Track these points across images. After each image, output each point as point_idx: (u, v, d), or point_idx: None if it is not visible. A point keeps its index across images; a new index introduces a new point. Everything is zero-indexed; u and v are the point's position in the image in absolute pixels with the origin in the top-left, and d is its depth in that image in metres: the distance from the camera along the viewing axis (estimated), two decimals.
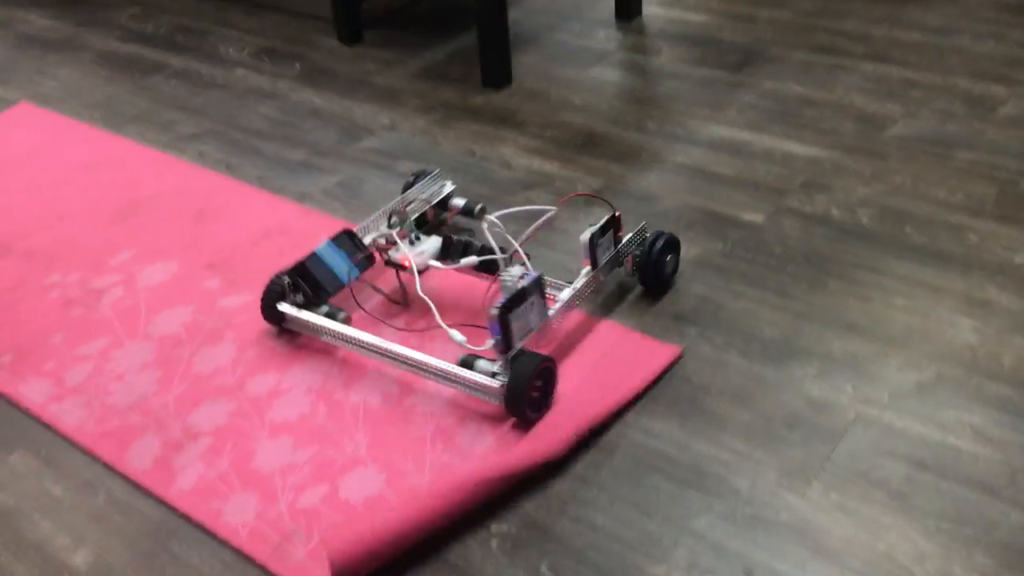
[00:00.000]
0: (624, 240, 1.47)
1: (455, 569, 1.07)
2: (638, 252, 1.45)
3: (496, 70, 2.12)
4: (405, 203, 1.58)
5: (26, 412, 1.35)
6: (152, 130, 2.06)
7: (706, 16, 2.42)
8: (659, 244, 1.44)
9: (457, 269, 1.45)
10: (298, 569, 1.09)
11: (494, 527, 1.12)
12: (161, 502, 1.19)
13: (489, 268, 1.45)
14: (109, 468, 1.24)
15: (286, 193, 1.81)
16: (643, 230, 1.49)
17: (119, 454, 1.26)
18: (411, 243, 1.49)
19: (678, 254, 1.49)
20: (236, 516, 1.16)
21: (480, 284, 1.52)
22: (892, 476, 1.14)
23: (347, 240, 1.48)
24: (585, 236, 1.39)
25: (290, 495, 1.19)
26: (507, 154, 1.89)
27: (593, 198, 1.72)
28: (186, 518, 1.16)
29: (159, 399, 1.36)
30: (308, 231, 1.71)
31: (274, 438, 1.28)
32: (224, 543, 1.13)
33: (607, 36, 2.35)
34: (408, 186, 1.65)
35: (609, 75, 2.16)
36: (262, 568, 1.09)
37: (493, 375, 1.26)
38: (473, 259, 1.44)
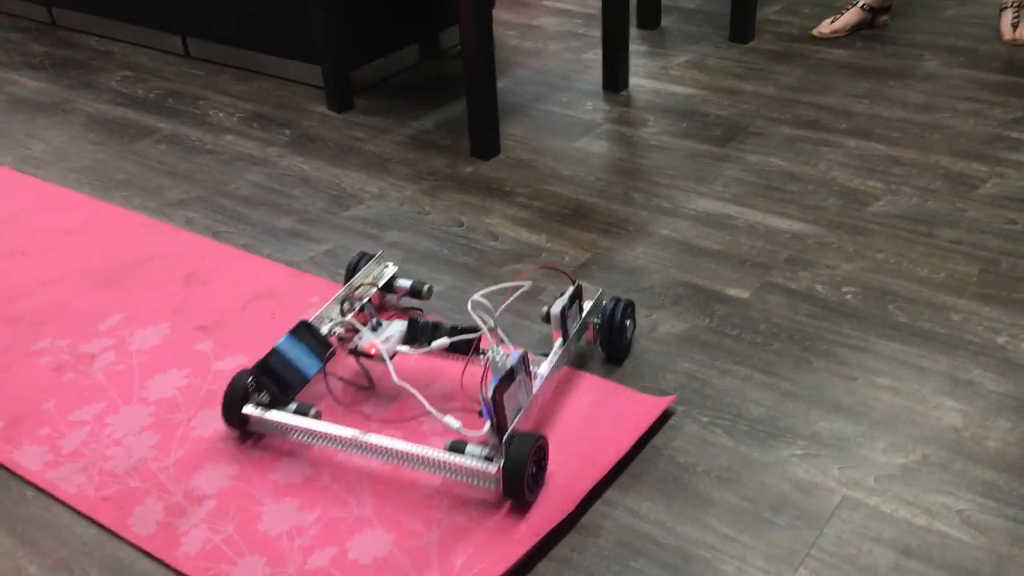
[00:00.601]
0: (587, 310, 1.47)
1: None
2: (598, 320, 1.47)
3: (484, 140, 2.14)
4: (353, 288, 1.53)
5: (23, 479, 1.32)
6: (140, 195, 2.07)
7: (692, 88, 2.46)
8: (619, 311, 1.45)
9: (428, 353, 1.41)
10: None
11: None
12: (155, 572, 1.16)
13: (461, 348, 1.41)
14: (109, 533, 1.22)
15: (274, 261, 1.81)
16: (601, 298, 1.50)
17: (121, 520, 1.25)
18: (373, 329, 1.45)
19: (634, 318, 1.51)
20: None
21: (448, 366, 1.49)
22: (879, 563, 1.13)
23: (306, 332, 1.40)
24: (556, 308, 1.40)
25: (299, 557, 1.18)
26: (495, 225, 1.90)
27: (555, 271, 1.73)
28: None
29: (159, 463, 1.34)
30: (298, 293, 1.71)
31: (278, 501, 1.27)
32: None
33: (595, 107, 2.39)
34: (351, 270, 1.60)
35: (596, 146, 2.19)
36: None
37: (487, 459, 1.23)
38: (445, 341, 1.40)
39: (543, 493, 1.24)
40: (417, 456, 1.25)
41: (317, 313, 1.45)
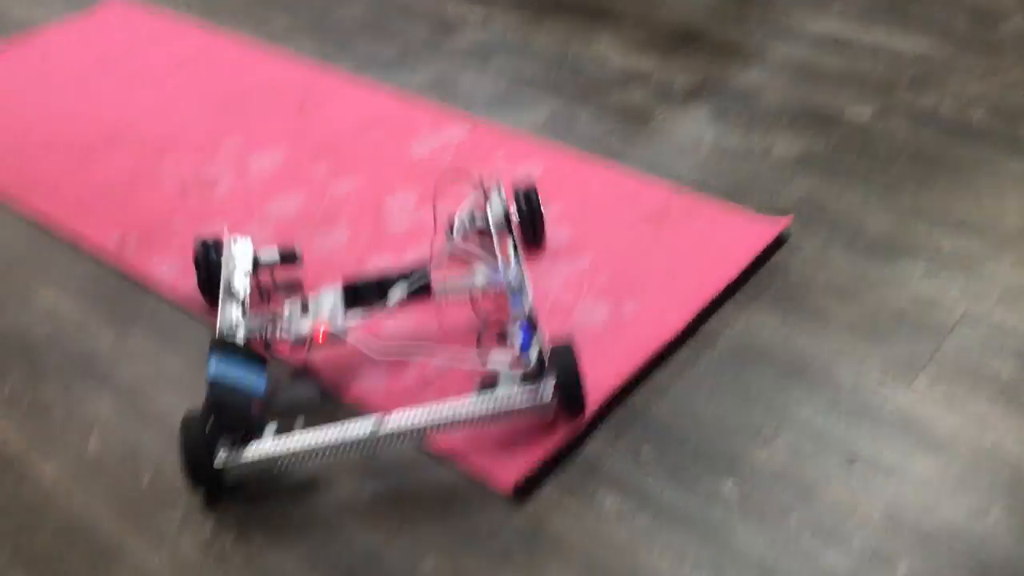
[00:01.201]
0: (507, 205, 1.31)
1: (559, 453, 1.10)
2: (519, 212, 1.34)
3: None
4: (230, 284, 1.25)
5: (153, 288, 1.40)
6: (249, 24, 2.08)
7: None
8: (533, 198, 1.34)
9: (390, 310, 1.21)
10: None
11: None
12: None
13: (423, 292, 1.22)
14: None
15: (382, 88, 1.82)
16: (504, 190, 1.34)
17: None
18: (304, 310, 1.21)
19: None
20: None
21: (403, 319, 1.27)
22: (1001, 372, 1.12)
23: (228, 349, 1.14)
24: (497, 211, 1.27)
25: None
26: (602, 50, 1.86)
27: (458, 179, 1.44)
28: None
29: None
30: (407, 118, 1.72)
31: (425, 388, 1.23)
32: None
33: None
34: (202, 264, 1.31)
35: None
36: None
37: (533, 381, 1.09)
38: (401, 290, 1.20)
39: (657, 310, 1.26)
40: (460, 412, 1.07)
41: (218, 326, 1.19)
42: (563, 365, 1.08)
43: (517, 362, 1.11)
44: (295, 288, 1.30)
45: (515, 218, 1.32)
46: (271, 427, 1.09)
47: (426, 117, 1.72)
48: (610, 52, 1.85)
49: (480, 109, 1.72)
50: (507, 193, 1.35)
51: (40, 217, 1.58)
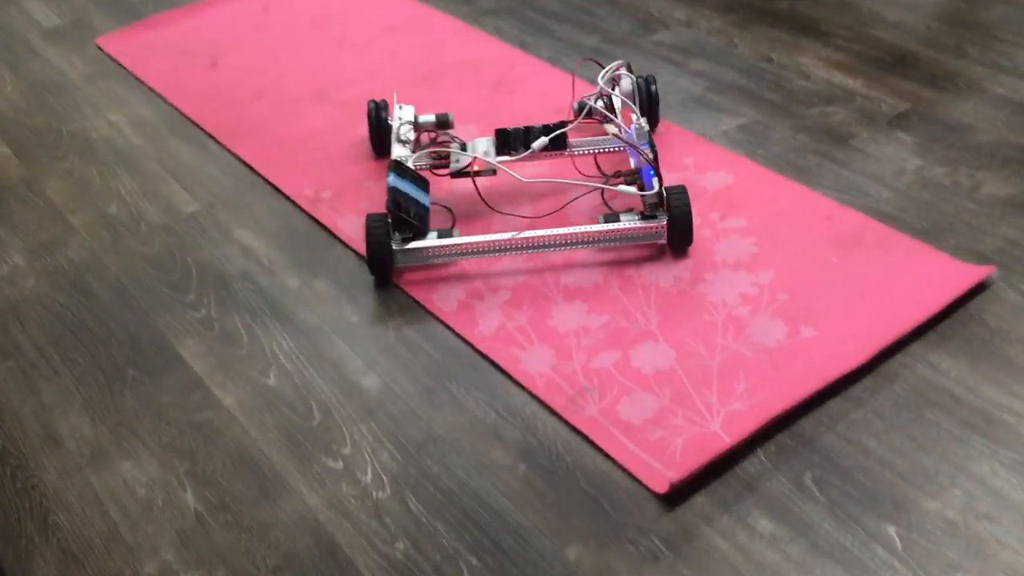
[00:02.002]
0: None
1: (716, 465, 1.09)
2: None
3: None
4: (400, 131, 1.53)
5: (341, 241, 1.47)
6: (454, 2, 2.13)
7: None
8: (651, 82, 1.60)
9: (532, 155, 1.47)
10: (591, 422, 1.15)
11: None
12: (450, 344, 1.27)
13: (559, 145, 1.48)
14: (419, 305, 1.34)
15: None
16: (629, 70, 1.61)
17: (428, 296, 1.36)
18: (463, 148, 1.47)
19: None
20: (533, 366, 1.24)
21: (547, 165, 1.56)
22: None
23: (405, 168, 1.40)
24: (626, 86, 1.58)
25: (584, 355, 1.25)
26: (806, 64, 1.81)
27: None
28: (488, 359, 1.25)
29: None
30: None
31: (569, 302, 1.34)
32: (520, 387, 1.20)
33: None
34: (375, 120, 1.60)
35: None
36: (557, 416, 1.17)
37: (652, 216, 1.36)
38: (544, 140, 1.45)
39: (835, 341, 1.22)
40: (583, 234, 1.36)
41: (392, 156, 1.46)
42: (677, 204, 1.34)
43: (639, 202, 1.40)
44: (447, 143, 1.55)
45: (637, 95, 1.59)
46: (433, 233, 1.37)
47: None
48: (815, 67, 1.79)
49: (674, 108, 1.71)
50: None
51: (245, 160, 1.68)
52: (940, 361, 1.19)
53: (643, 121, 1.46)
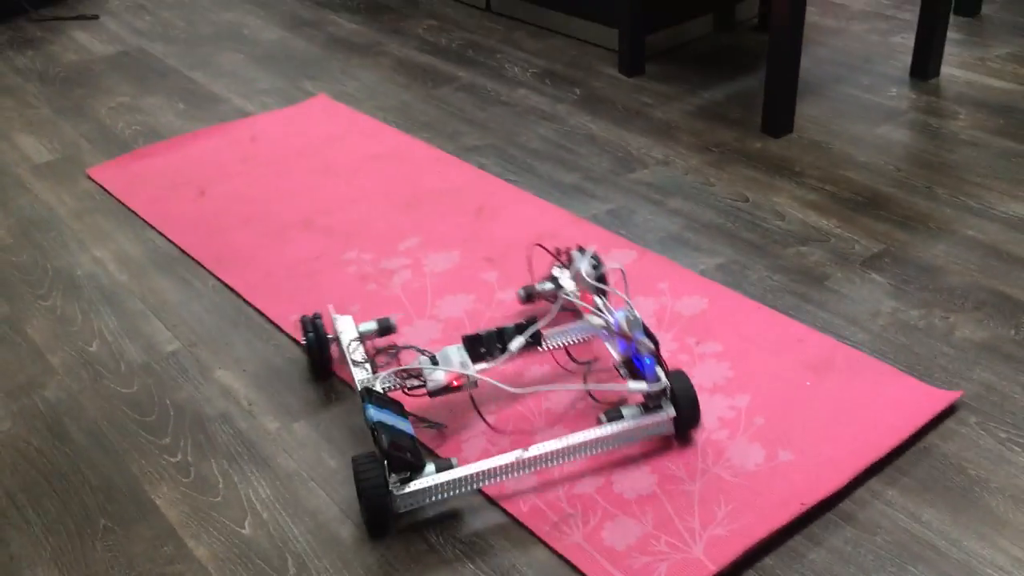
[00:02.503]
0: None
1: None
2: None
3: (778, 117, 2.08)
4: (351, 348, 1.41)
5: (329, 377, 1.47)
6: (439, 138, 2.19)
7: (1013, 83, 2.27)
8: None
9: (511, 358, 1.37)
10: (575, 548, 1.16)
11: None
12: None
13: (535, 341, 1.39)
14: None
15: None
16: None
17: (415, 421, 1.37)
18: (434, 363, 1.34)
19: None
20: (517, 492, 1.25)
21: (522, 366, 1.46)
22: None
23: (378, 396, 1.27)
24: (587, 270, 1.46)
25: (567, 482, 1.26)
26: (781, 204, 1.85)
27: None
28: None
29: None
30: (579, 239, 1.77)
31: (550, 428, 1.35)
32: (508, 515, 1.18)
33: (899, 94, 2.26)
34: (311, 329, 1.45)
35: (899, 135, 2.08)
36: (542, 542, 1.17)
37: (655, 409, 1.27)
38: (520, 340, 1.36)
39: (813, 464, 1.23)
40: (593, 440, 1.24)
41: (359, 382, 1.34)
42: (683, 394, 1.27)
43: (642, 395, 1.29)
44: (394, 354, 1.47)
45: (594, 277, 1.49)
46: (429, 466, 1.21)
47: (596, 240, 1.76)
48: (790, 207, 1.84)
49: (652, 246, 1.74)
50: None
51: (232, 287, 1.69)
52: (921, 512, 1.18)
53: (635, 310, 1.37)
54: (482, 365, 1.35)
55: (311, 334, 1.44)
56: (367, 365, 1.37)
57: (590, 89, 2.39)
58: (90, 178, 2.09)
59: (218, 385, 1.47)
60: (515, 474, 1.23)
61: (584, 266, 1.47)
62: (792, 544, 1.15)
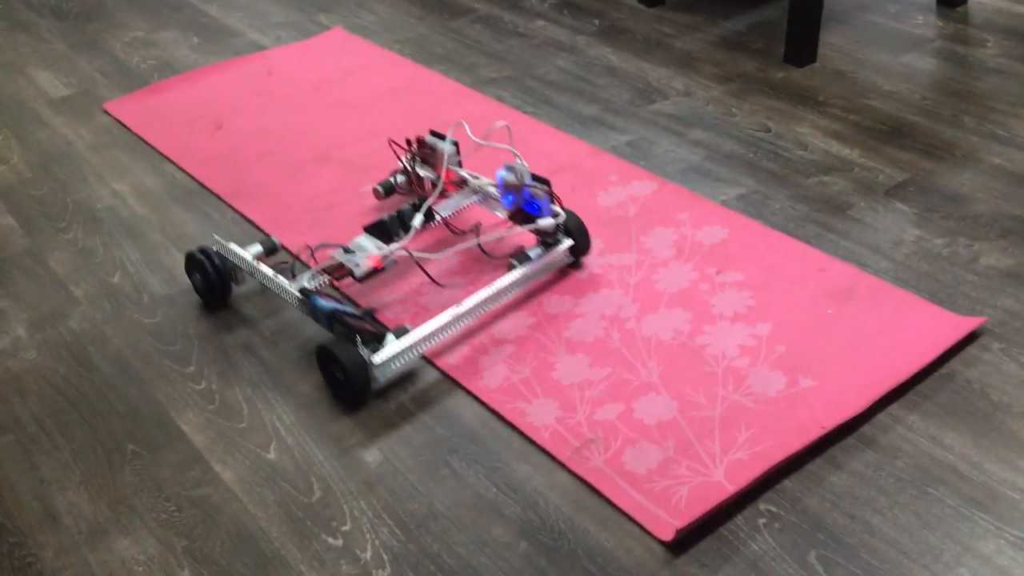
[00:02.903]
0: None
1: (723, 540, 1.08)
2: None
3: (802, 46, 2.04)
4: (257, 264, 1.45)
5: (351, 300, 1.47)
6: (455, 71, 2.17)
7: None
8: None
9: (416, 234, 1.53)
10: (596, 473, 1.17)
11: (763, 506, 1.11)
12: (450, 415, 1.27)
13: (430, 217, 1.53)
14: (424, 360, 1.34)
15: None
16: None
17: (433, 350, 1.38)
18: (347, 253, 1.42)
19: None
20: (539, 418, 1.25)
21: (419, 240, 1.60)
22: None
23: (316, 293, 1.35)
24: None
25: (588, 407, 1.26)
26: (804, 134, 1.83)
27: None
28: (495, 413, 1.27)
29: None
30: (598, 170, 1.75)
31: (571, 354, 1.35)
32: (522, 460, 1.19)
33: (926, 22, 2.21)
34: (210, 268, 1.46)
35: (924, 64, 2.03)
36: (564, 467, 1.18)
37: (555, 243, 1.46)
38: (420, 216, 1.50)
39: (833, 390, 1.23)
40: (510, 285, 1.41)
41: (294, 288, 1.38)
42: (576, 224, 1.47)
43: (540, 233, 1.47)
44: (287, 268, 1.54)
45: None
46: (389, 336, 1.31)
47: (616, 171, 1.75)
48: (813, 137, 1.81)
49: (673, 177, 1.73)
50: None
51: (250, 218, 1.69)
52: (943, 436, 1.18)
53: (521, 159, 1.47)
54: (394, 245, 1.45)
55: (209, 266, 1.46)
56: (281, 275, 1.42)
57: (609, 20, 2.35)
58: (107, 112, 2.08)
59: (239, 315, 1.48)
60: (457, 326, 1.36)
61: (447, 148, 1.60)
62: (812, 467, 1.16)
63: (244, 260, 1.47)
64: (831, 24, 2.23)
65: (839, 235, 1.54)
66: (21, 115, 2.10)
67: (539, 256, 1.45)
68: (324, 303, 1.32)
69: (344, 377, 1.27)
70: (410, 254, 1.46)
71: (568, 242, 1.47)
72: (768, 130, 1.85)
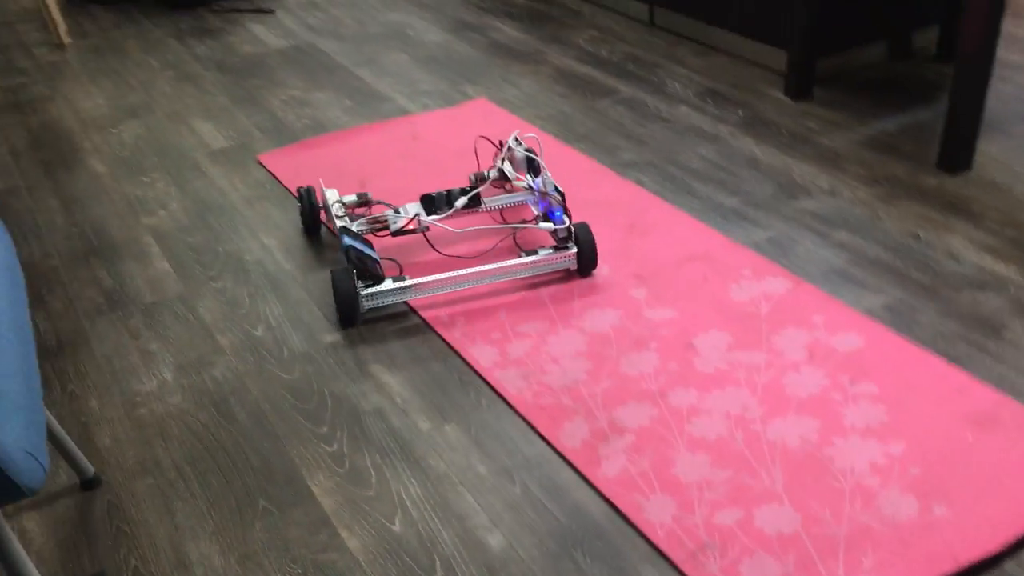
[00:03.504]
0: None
1: None
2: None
3: (957, 152, 1.99)
4: (331, 208, 1.80)
5: (476, 373, 1.50)
6: (596, 150, 2.19)
7: None
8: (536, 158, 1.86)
9: (455, 213, 1.80)
10: None
11: None
12: (576, 503, 1.25)
13: (474, 202, 1.81)
14: (543, 440, 1.34)
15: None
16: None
17: (553, 430, 1.38)
18: (396, 212, 1.77)
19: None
20: (655, 515, 1.23)
21: (468, 220, 1.90)
22: None
23: (351, 232, 1.69)
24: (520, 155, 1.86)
25: (706, 509, 1.23)
26: (955, 245, 1.77)
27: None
28: (610, 503, 1.25)
29: (588, 388, 1.45)
30: (732, 263, 1.73)
31: (692, 452, 1.33)
32: (643, 537, 1.17)
33: None
34: (307, 202, 1.87)
35: None
36: (677, 569, 1.15)
37: (563, 248, 1.70)
38: (463, 199, 1.79)
39: (970, 522, 1.16)
40: (511, 266, 1.66)
41: (338, 226, 1.70)
42: (583, 235, 1.68)
43: (550, 236, 1.78)
44: (350, 215, 1.81)
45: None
46: (388, 279, 1.63)
47: (750, 266, 1.72)
48: (965, 249, 1.75)
49: (814, 279, 1.69)
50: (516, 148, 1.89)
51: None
52: None
53: (548, 174, 1.80)
54: (434, 217, 1.76)
55: (304, 199, 1.86)
56: (347, 217, 1.76)
57: (754, 111, 2.34)
58: (260, 164, 2.18)
59: (374, 380, 1.51)
60: (447, 288, 1.65)
61: (517, 151, 1.87)
62: None
63: (326, 199, 1.81)
64: (989, 132, 2.17)
65: (993, 358, 1.47)
66: (182, 163, 2.22)
67: (546, 254, 1.68)
68: (348, 240, 1.64)
69: (336, 299, 1.59)
70: (435, 223, 1.75)
71: (573, 249, 1.69)
72: (917, 238, 1.80)
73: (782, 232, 1.84)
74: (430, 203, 1.78)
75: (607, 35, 2.86)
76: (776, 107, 2.36)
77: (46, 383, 1.53)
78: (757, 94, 2.43)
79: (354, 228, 1.73)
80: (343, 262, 1.72)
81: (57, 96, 2.58)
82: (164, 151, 2.27)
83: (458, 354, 1.55)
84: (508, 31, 2.93)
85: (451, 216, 1.80)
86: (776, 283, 1.68)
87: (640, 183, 2.04)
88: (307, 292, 1.73)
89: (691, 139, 2.22)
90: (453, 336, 1.58)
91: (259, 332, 1.63)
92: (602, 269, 1.74)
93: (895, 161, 2.07)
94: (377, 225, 1.75)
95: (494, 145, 2.00)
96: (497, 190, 1.92)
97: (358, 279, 1.62)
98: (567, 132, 2.28)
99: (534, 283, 1.72)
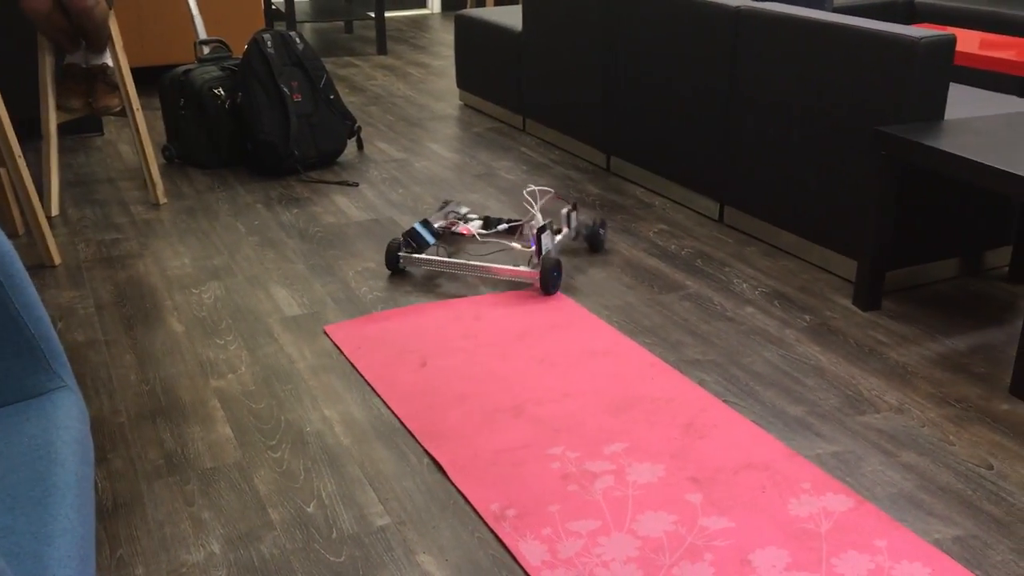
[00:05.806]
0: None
1: None
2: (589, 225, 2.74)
3: None
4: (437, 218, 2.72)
5: (524, 571, 1.46)
6: (659, 346, 2.19)
7: None
8: (597, 222, 2.72)
9: (495, 233, 2.74)
10: None
11: None
12: None
13: (512, 230, 2.75)
14: None
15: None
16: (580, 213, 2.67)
17: None
18: (464, 221, 2.74)
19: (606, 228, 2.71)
20: None
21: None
22: None
23: (427, 223, 2.59)
24: (564, 211, 2.77)
25: None
26: None
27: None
28: None
29: None
30: (792, 476, 1.68)
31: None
32: None
33: None
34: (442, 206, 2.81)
35: None
36: None
37: (533, 267, 2.46)
38: (504, 225, 2.73)
39: None
40: (495, 269, 2.44)
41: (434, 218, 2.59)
42: (548, 262, 2.39)
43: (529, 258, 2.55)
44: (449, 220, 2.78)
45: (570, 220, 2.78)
46: (431, 251, 2.62)
47: (810, 479, 1.68)
48: None
49: (880, 501, 1.63)
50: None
51: (439, 463, 1.72)
52: None
53: (539, 215, 2.59)
54: (484, 231, 2.77)
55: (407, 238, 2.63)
56: (442, 222, 2.72)
57: (822, 318, 2.34)
58: (326, 335, 2.23)
59: (420, 570, 1.48)
60: (447, 267, 2.51)
61: (537, 213, 2.63)
62: None
63: (453, 213, 2.80)
64: None
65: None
66: (256, 328, 2.28)
67: (516, 266, 2.51)
68: (419, 225, 2.57)
69: (387, 252, 2.53)
70: (475, 233, 2.74)
71: (536, 271, 2.43)
72: (990, 467, 1.74)
73: (846, 447, 1.80)
74: (487, 222, 2.79)
75: (676, 229, 2.93)
76: (844, 315, 2.35)
77: (97, 545, 1.53)
78: (824, 300, 2.44)
79: (438, 224, 2.69)
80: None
81: (147, 253, 2.71)
82: (240, 314, 2.35)
83: (507, 549, 1.51)
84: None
85: (493, 234, 2.77)
86: (836, 500, 1.63)
87: (702, 383, 2.03)
88: (362, 470, 1.73)
89: (756, 341, 2.22)
90: (503, 529, 1.55)
91: (311, 508, 1.63)
92: (657, 469, 1.71)
93: (966, 382, 2.03)
94: (449, 224, 2.75)
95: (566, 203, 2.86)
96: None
97: (404, 246, 2.54)
98: (631, 324, 2.30)
99: (572, 473, 1.70)
